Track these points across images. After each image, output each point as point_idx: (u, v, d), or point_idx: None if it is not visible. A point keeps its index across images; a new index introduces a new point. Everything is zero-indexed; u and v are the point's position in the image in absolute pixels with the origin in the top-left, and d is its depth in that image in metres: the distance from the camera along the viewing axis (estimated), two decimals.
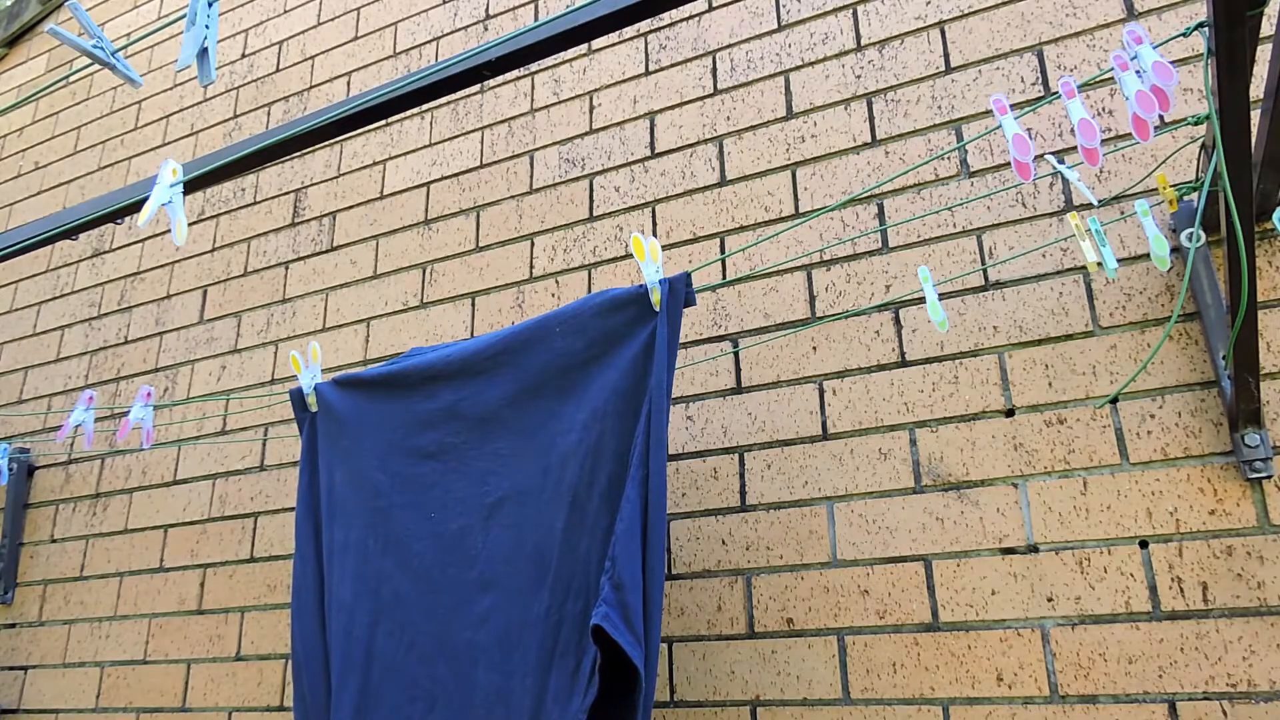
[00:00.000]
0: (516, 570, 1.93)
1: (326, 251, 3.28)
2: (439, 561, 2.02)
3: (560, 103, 2.96)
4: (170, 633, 3.07)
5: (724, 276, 2.48)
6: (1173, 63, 2.01)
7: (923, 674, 2.02)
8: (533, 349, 2.00)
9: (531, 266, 2.81)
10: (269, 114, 3.66)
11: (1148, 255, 2.02)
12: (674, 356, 1.81)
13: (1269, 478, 1.83)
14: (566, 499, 1.88)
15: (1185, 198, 1.94)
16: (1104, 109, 2.16)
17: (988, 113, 2.28)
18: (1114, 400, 1.99)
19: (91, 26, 1.56)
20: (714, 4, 2.77)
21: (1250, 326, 1.62)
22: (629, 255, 2.64)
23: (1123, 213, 2.06)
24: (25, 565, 3.52)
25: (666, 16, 2.83)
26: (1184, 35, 1.44)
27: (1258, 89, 1.88)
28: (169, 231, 3.69)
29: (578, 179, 2.83)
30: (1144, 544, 1.90)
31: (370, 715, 1.99)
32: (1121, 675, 1.86)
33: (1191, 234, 1.81)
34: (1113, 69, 1.40)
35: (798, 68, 2.57)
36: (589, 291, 2.67)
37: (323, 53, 3.62)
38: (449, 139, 3.15)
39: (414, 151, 3.21)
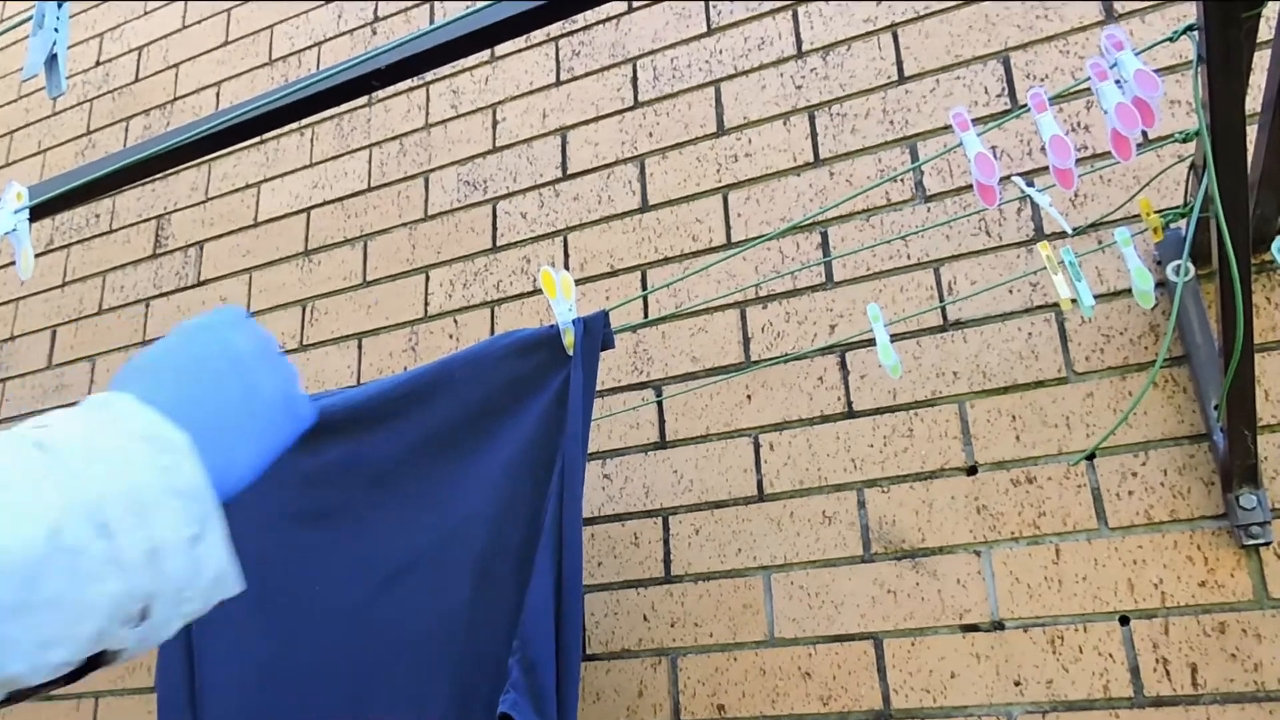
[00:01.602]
0: (418, 650, 1.90)
1: (193, 286, 3.25)
2: (331, 641, 1.98)
3: (459, 117, 2.95)
4: (18, 716, 2.98)
5: (646, 315, 2.48)
6: (1158, 71, 2.01)
7: None
8: (431, 398, 1.98)
9: (426, 303, 2.79)
10: (127, 129, 3.65)
11: (1129, 291, 2.02)
12: (590, 406, 1.80)
13: (1267, 544, 1.82)
14: (472, 568, 1.86)
15: (1172, 225, 1.94)
16: (1079, 124, 2.17)
17: (947, 128, 2.29)
18: (1091, 456, 1.98)
19: None
20: (634, 4, 2.78)
21: (1246, 372, 1.61)
22: (538, 291, 2.63)
23: (1100, 242, 2.06)
24: None
25: (581, 19, 2.84)
26: (1170, 40, 1.44)
27: (1254, 101, 1.87)
28: (12, 264, 3.65)
29: (479, 204, 2.82)
30: (1125, 620, 1.88)
31: None
32: None
33: (1179, 266, 1.81)
34: (1089, 78, 1.40)
35: (730, 77, 2.57)
36: (493, 333, 2.66)
37: (189, 60, 3.61)
38: (332, 158, 3.14)
39: (292, 172, 3.20)
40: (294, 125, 3.21)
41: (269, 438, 0.89)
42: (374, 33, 3.20)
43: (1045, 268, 1.94)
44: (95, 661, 0.73)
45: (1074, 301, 1.82)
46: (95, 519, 0.70)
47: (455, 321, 2.73)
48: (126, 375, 0.85)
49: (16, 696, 0.71)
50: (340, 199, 3.07)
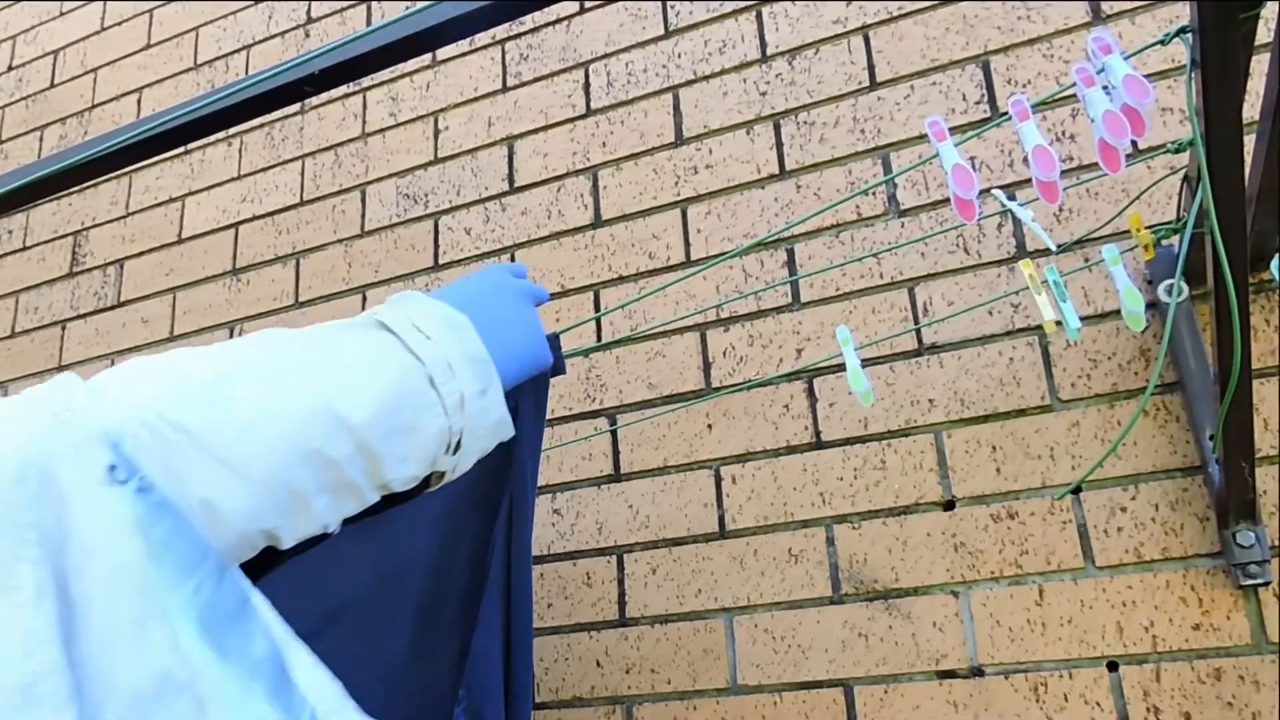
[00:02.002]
0: (355, 699, 1.86)
1: (113, 307, 3.23)
2: None
3: (399, 125, 2.95)
4: None
5: (599, 338, 2.47)
6: (1149, 76, 2.00)
7: None
8: None
9: None
10: (42, 139, 3.64)
11: (1118, 312, 2.02)
12: (540, 436, 1.77)
13: (1266, 585, 1.81)
14: (412, 612, 1.82)
15: (1164, 242, 1.93)
16: (1064, 133, 2.17)
17: (922, 138, 2.29)
18: (1076, 490, 1.98)
19: None
20: (587, 5, 2.78)
21: (1243, 400, 1.60)
22: None
23: (1087, 260, 2.06)
24: None
25: (529, 20, 2.84)
26: (1161, 43, 1.46)
27: (1252, 108, 1.85)
28: None
29: (420, 219, 2.81)
30: (1113, 666, 1.87)
31: None
32: None
33: (1171, 286, 1.79)
34: (1075, 84, 1.40)
35: (689, 82, 2.57)
36: None
37: (108, 64, 3.60)
38: (263, 170, 3.13)
39: (220, 185, 3.19)
40: (221, 134, 3.21)
41: (525, 348, 1.29)
42: (307, 35, 3.19)
43: (1028, 288, 1.92)
44: (425, 482, 1.20)
45: (1059, 324, 1.81)
46: (424, 374, 1.10)
47: None
48: (411, 294, 1.21)
49: (385, 502, 1.14)
50: (271, 214, 3.06)
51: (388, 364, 1.07)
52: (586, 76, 2.70)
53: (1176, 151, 1.67)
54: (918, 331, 2.16)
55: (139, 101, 3.45)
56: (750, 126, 2.46)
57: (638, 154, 2.57)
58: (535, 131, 2.72)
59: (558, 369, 1.78)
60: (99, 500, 0.82)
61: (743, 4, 2.56)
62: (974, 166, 2.18)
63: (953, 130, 2.22)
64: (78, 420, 0.86)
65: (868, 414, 2.16)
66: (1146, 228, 1.86)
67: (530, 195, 2.67)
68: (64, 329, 3.28)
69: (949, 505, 2.05)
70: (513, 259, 2.62)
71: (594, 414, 2.42)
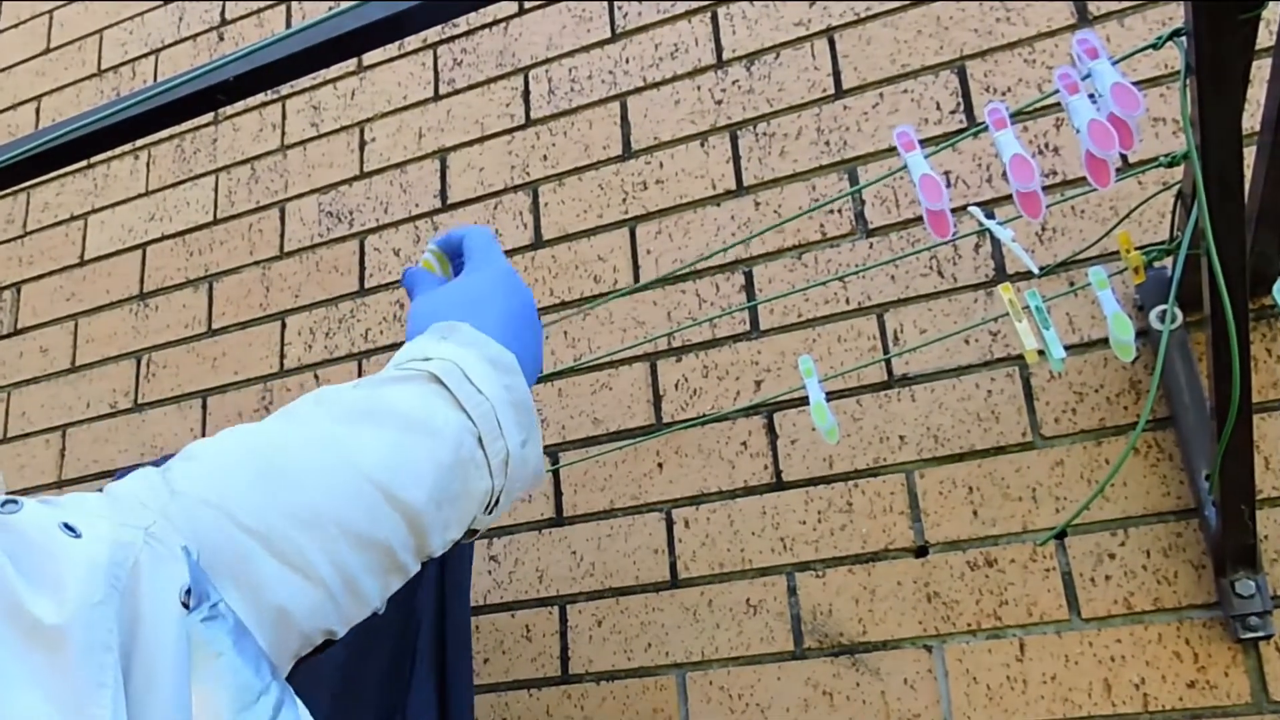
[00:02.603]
0: None
1: (8, 336, 3.23)
2: None
3: (321, 136, 2.95)
4: None
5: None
6: (1140, 84, 2.00)
7: None
8: None
9: (283, 356, 2.79)
10: None
11: (1106, 341, 2.02)
12: None
13: (1267, 638, 1.81)
14: (332, 675, 1.82)
15: (1156, 264, 1.94)
16: (1047, 145, 2.18)
17: (892, 150, 2.29)
18: (1061, 535, 1.98)
19: None
20: (526, 5, 2.78)
21: (1243, 437, 1.61)
22: None
23: (1072, 284, 2.06)
24: None
25: (463, 22, 2.85)
26: (1154, 47, 1.46)
27: (1252, 119, 1.85)
28: None
29: (344, 238, 2.81)
30: None
31: None
32: None
33: (1164, 312, 1.80)
34: (1058, 91, 1.39)
35: (638, 90, 2.58)
36: None
37: (3, 70, 3.60)
38: (172, 185, 3.13)
39: (125, 202, 3.19)
40: (127, 147, 3.20)
41: (539, 363, 1.31)
42: (221, 38, 3.19)
43: (1007, 314, 1.91)
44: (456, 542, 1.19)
45: (1041, 354, 1.79)
46: (475, 432, 1.12)
47: (316, 377, 2.72)
48: (457, 305, 1.27)
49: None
50: (181, 233, 3.05)
51: (443, 433, 1.10)
52: (526, 83, 2.70)
53: (1170, 165, 1.67)
54: (887, 362, 2.16)
55: (37, 110, 3.44)
56: (705, 138, 2.46)
57: (581, 168, 2.57)
58: (470, 143, 2.73)
59: None
60: (167, 624, 0.85)
61: (696, 5, 2.56)
62: (950, 182, 2.19)
63: (928, 141, 2.23)
64: (163, 535, 0.90)
65: (833, 452, 2.16)
66: (1137, 248, 1.86)
67: (465, 213, 2.67)
68: None
69: (921, 551, 2.05)
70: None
71: None
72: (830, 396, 2.13)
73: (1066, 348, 1.99)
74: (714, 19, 2.53)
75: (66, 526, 0.85)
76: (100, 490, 0.98)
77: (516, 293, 1.31)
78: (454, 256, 1.47)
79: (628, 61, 2.59)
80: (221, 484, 0.99)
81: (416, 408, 1.10)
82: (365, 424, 1.07)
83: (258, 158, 3.01)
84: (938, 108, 2.26)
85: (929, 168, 1.48)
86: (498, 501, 1.18)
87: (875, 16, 2.37)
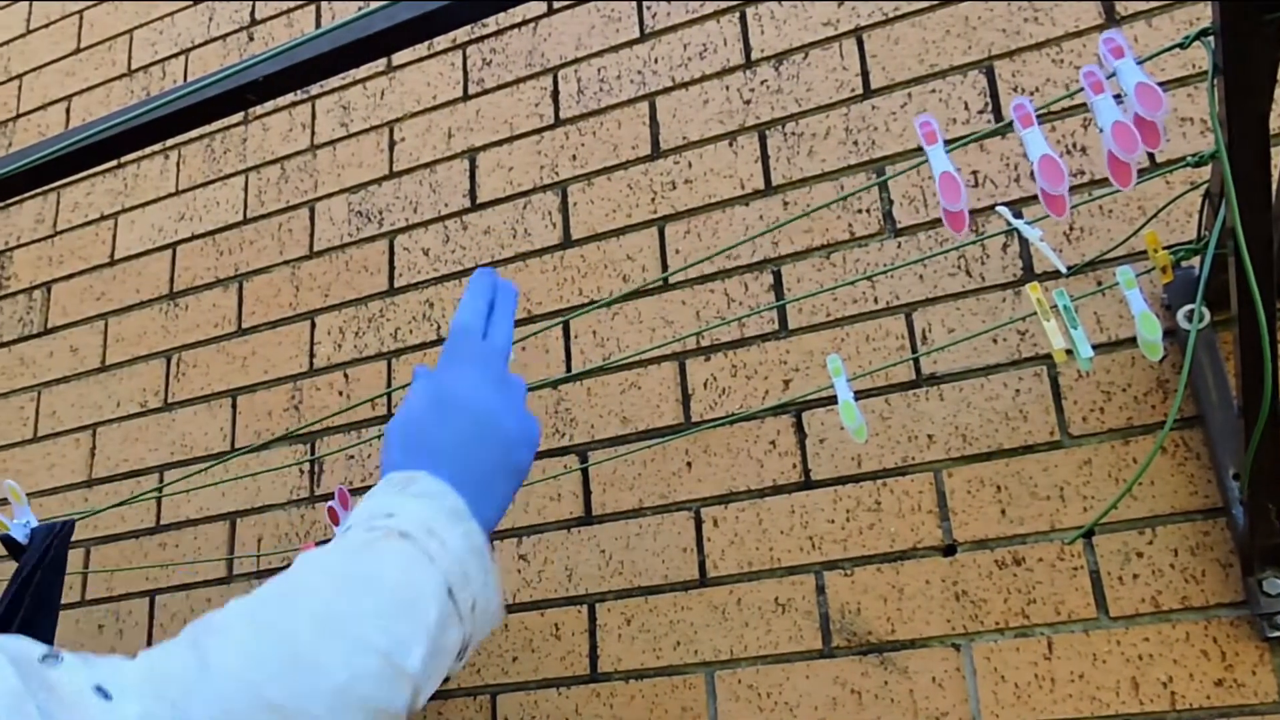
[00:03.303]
0: None
1: (38, 335, 3.24)
2: None
3: (350, 136, 2.95)
4: None
5: (569, 368, 2.47)
6: (1166, 84, 2.00)
7: None
8: None
9: (312, 355, 2.79)
10: None
11: (1133, 340, 2.01)
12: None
13: None
14: None
15: (1183, 263, 1.93)
16: (1074, 145, 2.16)
17: (920, 150, 2.26)
18: (1088, 534, 1.97)
19: None
20: (555, 5, 2.78)
21: (1271, 435, 1.59)
22: (442, 340, 2.62)
23: (1100, 283, 2.06)
24: None
25: (492, 22, 2.85)
26: (1181, 46, 1.44)
27: (1279, 118, 1.85)
28: None
29: (374, 238, 2.81)
30: None
31: None
32: None
33: (1192, 311, 1.79)
34: (1083, 89, 1.38)
35: (667, 90, 2.57)
36: (388, 386, 2.63)
37: (33, 70, 3.61)
38: (202, 185, 3.13)
39: (155, 202, 3.19)
40: (157, 146, 3.20)
41: (513, 488, 1.32)
42: (251, 38, 3.19)
43: (1035, 313, 1.91)
44: None
45: (1069, 353, 1.79)
46: (447, 585, 1.15)
47: (345, 376, 2.71)
48: (412, 444, 1.29)
49: None
50: (211, 233, 3.05)
51: (427, 593, 1.14)
52: (555, 83, 2.70)
53: (1197, 165, 1.66)
54: (916, 361, 2.16)
55: (67, 111, 3.44)
56: (733, 138, 2.45)
57: (610, 168, 2.57)
58: (499, 143, 2.72)
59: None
60: None
61: (725, 5, 2.55)
62: (977, 181, 2.18)
63: (955, 141, 2.21)
64: (190, 710, 0.97)
65: (861, 451, 2.15)
66: (1164, 248, 1.86)
67: (494, 213, 2.66)
68: None
69: (949, 550, 2.05)
70: None
71: (563, 451, 2.41)
72: (859, 395, 2.13)
73: (1094, 347, 1.98)
74: (742, 19, 2.52)
75: (99, 689, 0.92)
76: (135, 654, 1.04)
77: (469, 408, 1.32)
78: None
79: (656, 61, 2.59)
80: (253, 664, 1.03)
81: (404, 574, 1.14)
82: (367, 597, 1.11)
83: (287, 157, 3.00)
84: (965, 107, 2.25)
85: (949, 164, 1.48)
86: (466, 649, 1.21)
87: (903, 17, 2.36)
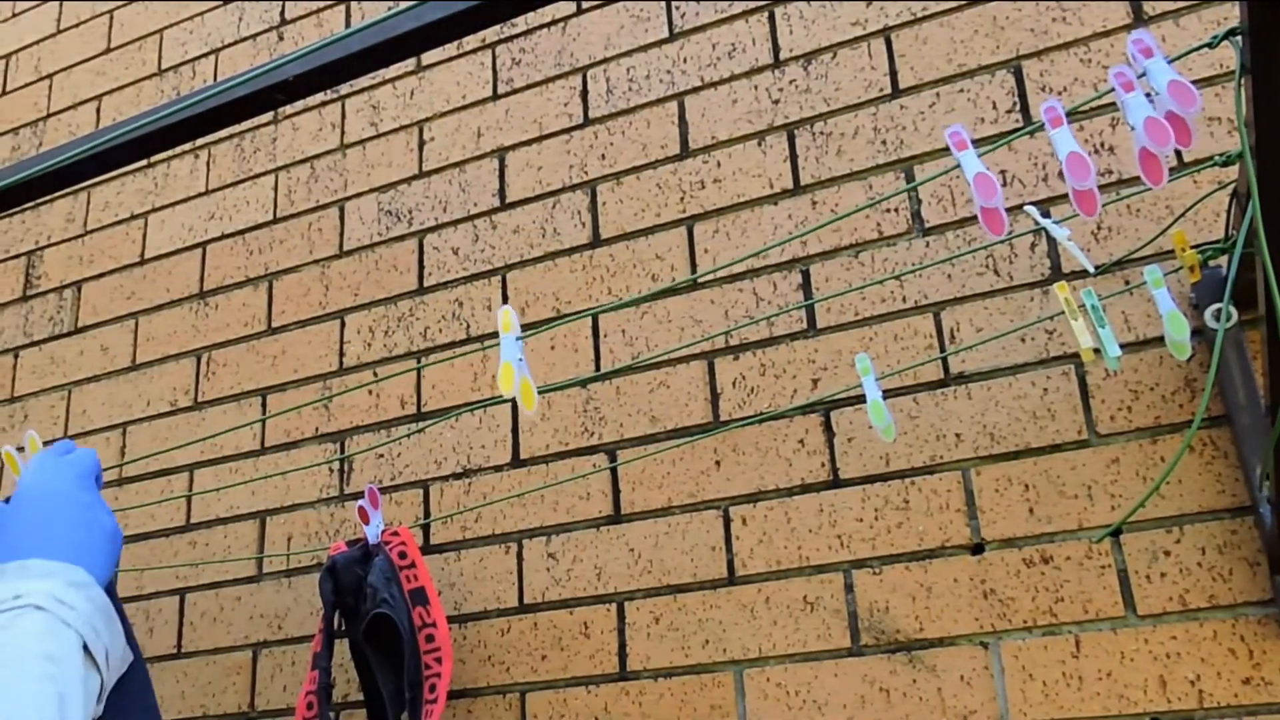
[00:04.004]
0: None
1: (69, 334, 3.24)
2: None
3: (380, 136, 2.95)
4: None
5: (598, 367, 2.47)
6: (1194, 83, 1.99)
7: None
8: None
9: (342, 354, 2.79)
10: None
11: (1161, 339, 2.01)
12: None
13: None
14: None
15: (1211, 263, 1.93)
16: (1103, 144, 2.16)
17: (948, 150, 2.23)
18: (1116, 532, 1.97)
19: None
20: (584, 5, 2.77)
21: None
22: (471, 339, 2.63)
23: (1128, 283, 2.05)
24: None
25: (522, 22, 2.84)
26: (1209, 46, 1.45)
27: None
28: None
29: (403, 237, 2.81)
30: None
31: None
32: None
33: (1219, 311, 1.79)
34: (1113, 89, 1.38)
35: (696, 89, 2.57)
36: (418, 390, 2.63)
37: (63, 70, 3.61)
38: (232, 184, 3.13)
39: (185, 201, 3.20)
40: (187, 146, 3.20)
41: (111, 554, 1.56)
42: (280, 38, 3.19)
43: (1063, 312, 1.92)
44: None
45: (1097, 352, 1.80)
46: (80, 642, 1.37)
47: (375, 374, 2.71)
48: (16, 538, 1.49)
49: None
50: (240, 232, 3.06)
51: (72, 653, 1.35)
52: (584, 83, 2.70)
53: (1225, 165, 1.66)
54: (944, 360, 2.16)
55: (97, 110, 3.44)
56: (762, 137, 2.45)
57: (639, 167, 2.57)
58: (528, 143, 2.72)
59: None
60: None
61: (753, 5, 2.55)
62: (1005, 181, 2.17)
63: (984, 141, 2.22)
64: None
65: (889, 450, 2.15)
66: (1192, 247, 1.87)
67: (523, 212, 2.66)
68: (16, 357, 3.28)
69: (978, 549, 2.05)
70: (504, 281, 2.62)
71: (592, 450, 2.41)
72: (887, 394, 2.14)
73: (1122, 346, 1.98)
74: (771, 19, 2.51)
75: None
76: None
77: (54, 502, 1.56)
78: None
79: (685, 61, 2.58)
80: None
81: (49, 640, 1.33)
82: (29, 667, 1.29)
83: (317, 157, 3.00)
84: (994, 107, 2.25)
85: (982, 166, 1.48)
86: (103, 694, 1.42)
87: (931, 16, 2.35)
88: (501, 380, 1.79)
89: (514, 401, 1.83)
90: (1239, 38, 1.30)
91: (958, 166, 1.53)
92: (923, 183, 1.62)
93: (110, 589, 1.69)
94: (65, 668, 1.33)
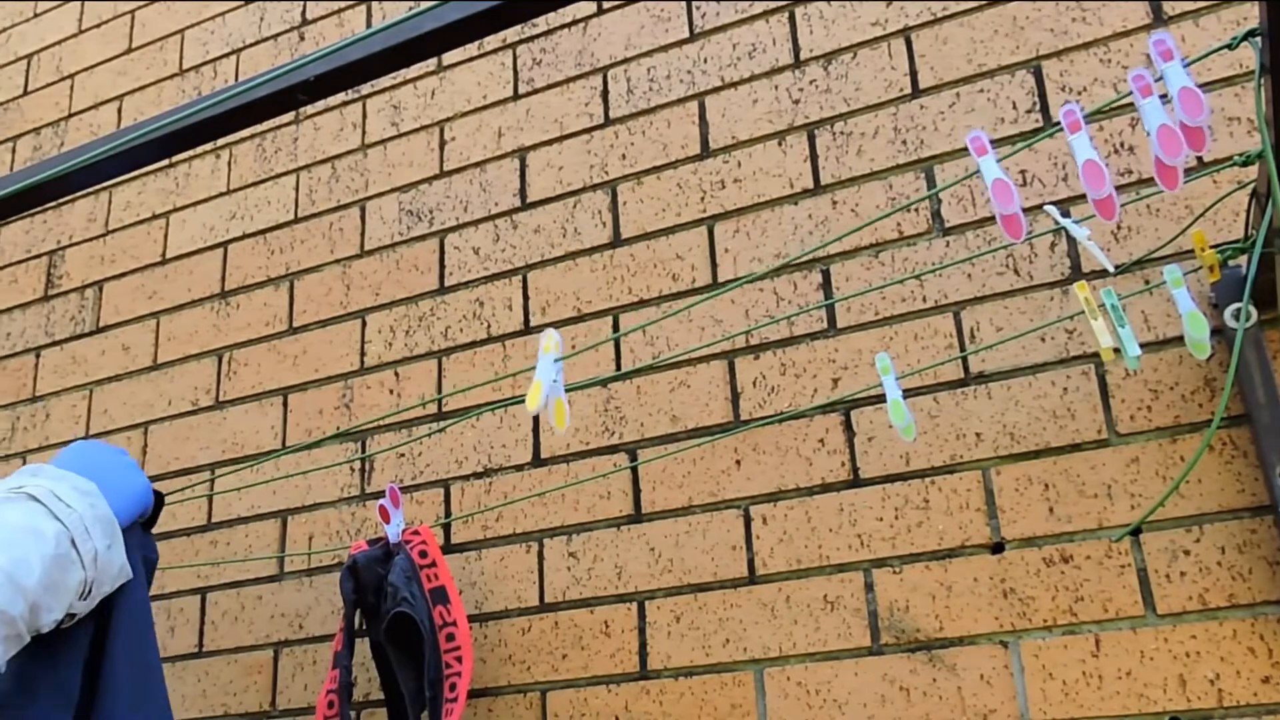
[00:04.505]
0: None
1: (90, 334, 3.25)
2: None
3: (401, 136, 2.95)
4: None
5: (618, 367, 2.47)
6: (1212, 84, 2.01)
7: None
8: None
9: (363, 353, 2.79)
10: (14, 150, 3.64)
11: (1180, 338, 2.01)
12: (149, 565, 1.95)
13: None
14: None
15: (1231, 262, 1.92)
16: (1122, 144, 2.16)
17: (967, 150, 2.24)
18: (1136, 532, 1.97)
19: None
20: (605, 6, 2.77)
21: None
22: (492, 339, 2.63)
23: (1147, 282, 2.05)
24: None
25: (542, 22, 2.84)
26: (1229, 47, 1.44)
27: None
28: None
29: (424, 237, 2.81)
30: None
31: None
32: None
33: (1239, 310, 1.79)
34: (1132, 93, 1.38)
35: (716, 89, 2.57)
36: (439, 388, 2.63)
37: (85, 70, 3.61)
38: (253, 184, 3.14)
39: (206, 201, 3.20)
40: (208, 146, 3.21)
41: (133, 499, 1.78)
42: (301, 38, 3.20)
43: (1083, 312, 1.92)
44: (60, 624, 1.58)
45: (1116, 351, 1.80)
46: (68, 536, 1.53)
47: (396, 375, 2.72)
48: (43, 467, 1.68)
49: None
50: (262, 232, 3.06)
51: (45, 534, 1.51)
52: (604, 83, 2.71)
53: (1244, 164, 1.66)
54: (964, 359, 2.16)
55: (119, 110, 3.45)
56: (782, 137, 2.45)
57: (660, 167, 2.57)
58: (549, 143, 2.72)
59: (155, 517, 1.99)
60: None
61: (774, 5, 2.55)
62: (1025, 180, 2.17)
63: (1003, 141, 2.22)
64: None
65: (909, 449, 2.15)
66: (1211, 247, 1.86)
67: (543, 212, 2.67)
68: (38, 357, 3.29)
69: (997, 548, 2.05)
70: (525, 280, 2.62)
71: (612, 449, 2.42)
72: (907, 394, 2.14)
73: (1142, 345, 1.98)
74: (791, 19, 2.51)
75: None
76: None
77: (92, 448, 1.81)
78: None
79: (706, 61, 2.59)
80: None
81: (23, 518, 1.52)
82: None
83: (338, 157, 3.01)
84: (1014, 107, 2.25)
85: (1001, 172, 1.48)
86: (90, 591, 1.59)
87: (951, 16, 2.35)
88: (530, 398, 1.80)
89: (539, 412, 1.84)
90: (1258, 38, 1.31)
91: (978, 171, 1.53)
92: (946, 188, 1.63)
93: (146, 574, 1.88)
94: (34, 545, 1.49)
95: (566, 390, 1.83)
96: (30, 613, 1.48)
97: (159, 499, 1.91)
